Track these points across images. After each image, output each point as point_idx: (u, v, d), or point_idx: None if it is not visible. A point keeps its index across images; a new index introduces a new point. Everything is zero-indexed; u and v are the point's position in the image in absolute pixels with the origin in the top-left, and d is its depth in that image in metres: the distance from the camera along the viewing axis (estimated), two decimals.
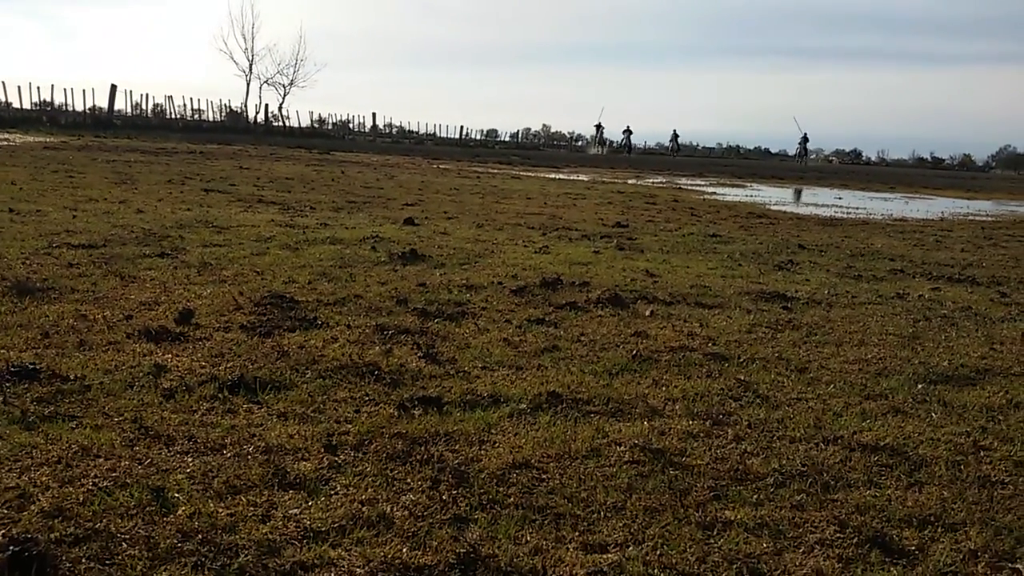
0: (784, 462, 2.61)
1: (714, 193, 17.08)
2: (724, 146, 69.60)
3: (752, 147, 67.53)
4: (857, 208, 14.58)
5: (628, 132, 54.16)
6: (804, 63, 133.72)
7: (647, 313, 4.57)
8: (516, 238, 7.47)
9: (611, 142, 56.42)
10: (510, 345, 3.81)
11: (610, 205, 11.97)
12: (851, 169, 49.06)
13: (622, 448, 2.62)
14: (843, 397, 3.32)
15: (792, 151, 58.48)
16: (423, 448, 2.55)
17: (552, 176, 20.32)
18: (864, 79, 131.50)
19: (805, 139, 54.86)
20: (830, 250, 7.86)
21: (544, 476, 2.41)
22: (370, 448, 2.54)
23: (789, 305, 4.99)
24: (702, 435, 2.79)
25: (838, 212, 13.36)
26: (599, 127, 56.45)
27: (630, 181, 19.85)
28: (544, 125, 69.46)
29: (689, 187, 18.90)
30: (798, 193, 19.08)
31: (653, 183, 19.60)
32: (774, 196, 17.18)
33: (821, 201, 16.21)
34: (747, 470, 2.53)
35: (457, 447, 2.59)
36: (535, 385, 3.23)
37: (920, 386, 3.53)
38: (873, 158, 71.02)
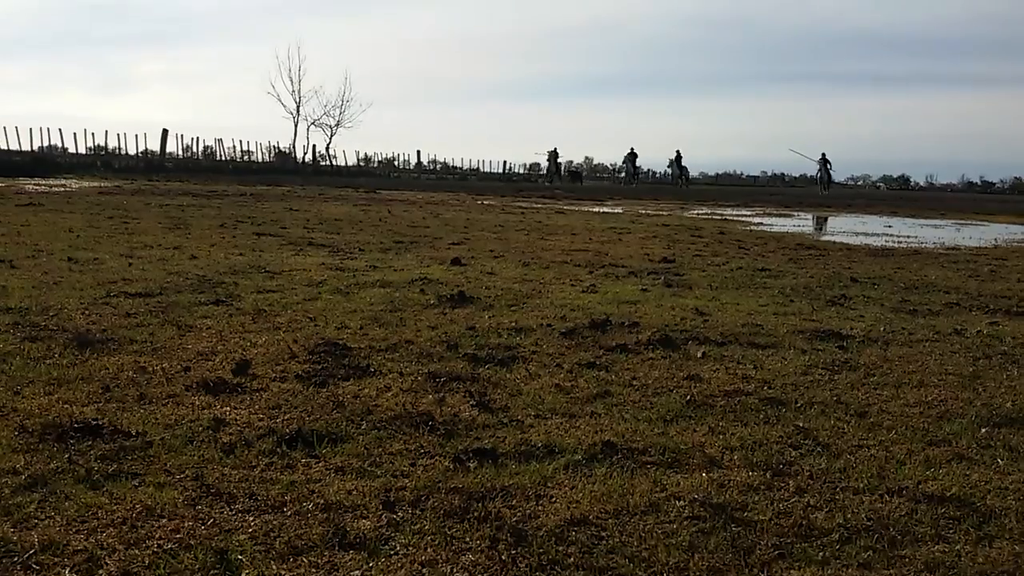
0: (849, 516, 2.55)
1: (761, 224, 16.95)
2: (769, 174, 69.10)
3: (798, 175, 66.86)
4: (908, 236, 14.35)
5: (679, 157, 48.30)
6: (847, 89, 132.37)
7: (699, 355, 4.53)
8: (563, 277, 7.47)
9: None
10: (562, 391, 3.80)
11: (656, 239, 11.93)
12: (899, 195, 48.23)
13: (681, 503, 2.59)
14: (905, 444, 3.25)
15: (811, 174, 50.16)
16: (480, 504, 2.54)
17: (596, 209, 20.34)
18: (910, 103, 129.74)
19: (825, 160, 45.24)
20: (883, 283, 7.74)
21: (603, 534, 2.39)
22: (427, 504, 2.54)
23: (845, 344, 4.91)
24: (763, 487, 2.74)
25: (889, 241, 13.17)
26: (554, 155, 49.34)
27: (674, 212, 19.78)
28: (587, 157, 69.71)
29: (735, 218, 18.78)
30: (820, 222, 18.74)
31: (698, 214, 19.51)
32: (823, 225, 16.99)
33: (871, 230, 16.00)
34: (811, 525, 2.48)
35: (514, 503, 2.58)
36: (589, 434, 3.21)
37: (984, 430, 3.44)
38: (922, 183, 70.04)
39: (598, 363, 4.30)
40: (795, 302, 6.45)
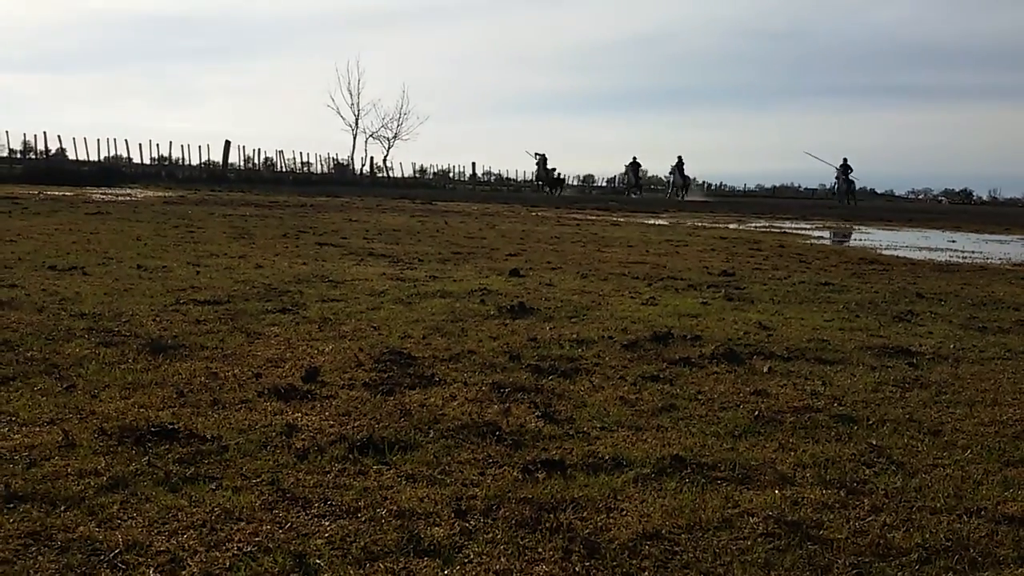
0: (927, 536, 2.50)
1: (821, 237, 16.71)
2: (828, 187, 67.98)
3: (857, 187, 65.75)
4: (972, 252, 14.02)
5: (680, 164, 44.82)
6: (907, 102, 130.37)
7: (765, 370, 4.48)
8: (622, 289, 7.45)
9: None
10: (626, 404, 3.78)
11: (714, 252, 11.83)
12: (962, 209, 47.00)
13: (755, 519, 2.56)
14: (982, 463, 3.18)
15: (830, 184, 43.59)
16: (551, 515, 2.55)
17: (651, 222, 20.23)
18: (973, 116, 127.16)
19: (846, 167, 39.77)
20: (950, 299, 7.57)
21: (677, 548, 2.37)
22: (499, 514, 2.55)
23: (914, 361, 4.82)
24: (838, 505, 2.70)
25: (953, 256, 12.89)
26: (543, 161, 46.45)
27: (731, 226, 19.60)
28: (642, 170, 69.13)
29: (794, 231, 18.54)
30: (842, 235, 18.19)
31: (756, 227, 19.30)
32: (884, 239, 16.69)
33: (934, 244, 15.68)
34: (889, 545, 2.43)
35: (585, 515, 2.58)
36: (656, 448, 3.19)
37: None
38: (984, 197, 68.49)
39: (662, 376, 4.28)
40: (861, 317, 6.34)
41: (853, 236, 17.82)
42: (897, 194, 69.81)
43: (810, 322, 6.02)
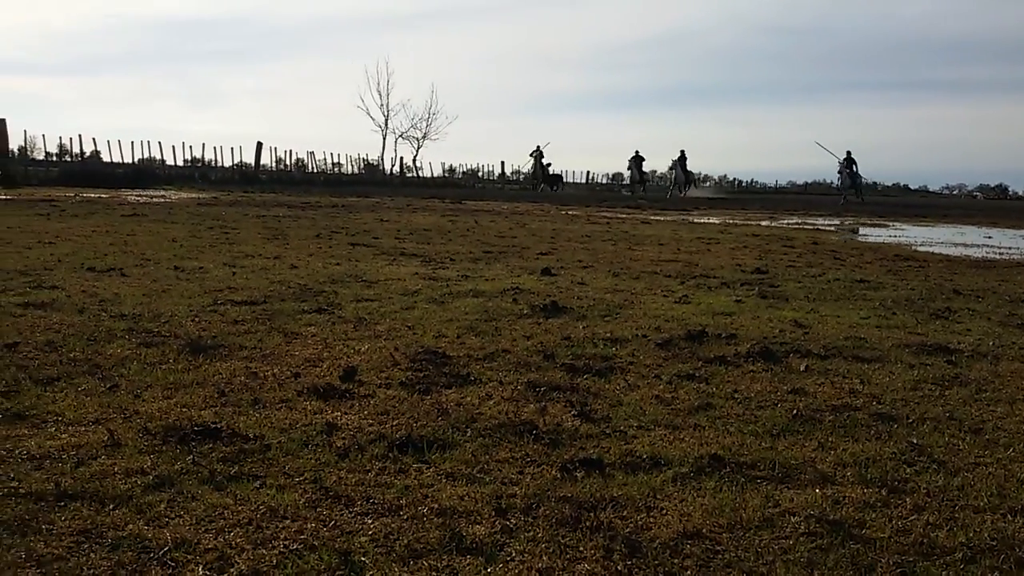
0: (971, 535, 2.48)
1: (854, 234, 16.54)
2: (860, 183, 67.31)
3: (891, 183, 65.09)
4: (1010, 248, 13.82)
5: (683, 158, 41.51)
6: (939, 96, 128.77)
7: (802, 368, 4.45)
8: (654, 287, 7.43)
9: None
10: (663, 403, 3.78)
11: (746, 249, 11.76)
12: (998, 205, 46.26)
13: (797, 518, 2.55)
14: None
15: (836, 181, 39.79)
16: (591, 514, 2.56)
17: (682, 219, 20.14)
18: (1006, 110, 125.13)
19: (850, 160, 37.08)
20: (988, 296, 7.47)
21: (718, 548, 2.37)
22: (539, 512, 2.57)
23: (953, 359, 4.77)
24: (879, 504, 2.69)
25: (990, 252, 12.71)
26: (538, 155, 43.84)
27: (763, 223, 19.46)
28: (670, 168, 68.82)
29: (827, 228, 18.38)
30: (851, 229, 17.91)
31: (788, 224, 19.16)
32: (919, 236, 16.50)
33: (970, 240, 15.47)
34: (932, 544, 2.42)
35: (625, 514, 2.59)
36: (694, 447, 3.19)
37: None
38: (1020, 192, 67.49)
39: (697, 375, 4.27)
40: (898, 315, 6.28)
41: (887, 232, 17.62)
42: (931, 190, 68.98)
43: (846, 320, 5.98)
